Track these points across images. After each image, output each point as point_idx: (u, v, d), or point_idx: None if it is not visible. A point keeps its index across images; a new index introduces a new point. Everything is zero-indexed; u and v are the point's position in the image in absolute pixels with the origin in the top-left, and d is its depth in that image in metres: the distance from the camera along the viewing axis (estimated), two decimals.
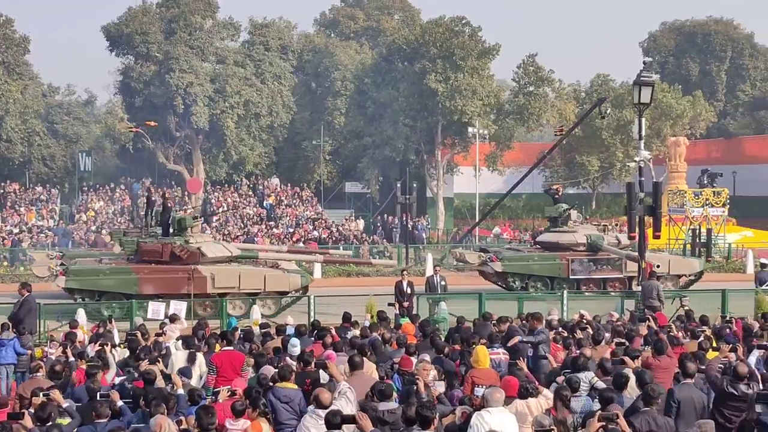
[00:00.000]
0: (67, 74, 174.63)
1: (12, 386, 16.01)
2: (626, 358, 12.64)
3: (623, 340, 14.86)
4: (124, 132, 63.77)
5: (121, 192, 60.16)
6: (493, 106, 58.45)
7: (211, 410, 9.84)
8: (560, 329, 16.94)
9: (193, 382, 13.56)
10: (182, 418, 10.44)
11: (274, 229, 49.70)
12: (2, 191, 56.44)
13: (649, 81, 24.05)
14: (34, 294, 20.13)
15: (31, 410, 10.31)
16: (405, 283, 23.80)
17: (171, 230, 27.23)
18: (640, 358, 12.82)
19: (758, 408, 10.52)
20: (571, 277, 30.06)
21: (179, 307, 22.03)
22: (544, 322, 16.52)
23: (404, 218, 46.34)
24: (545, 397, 10.83)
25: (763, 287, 25.18)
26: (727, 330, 16.39)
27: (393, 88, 59.49)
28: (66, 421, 10.36)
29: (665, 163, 57.31)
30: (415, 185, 51.23)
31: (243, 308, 25.90)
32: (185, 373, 13.32)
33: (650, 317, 17.78)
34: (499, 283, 30.74)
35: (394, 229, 52.48)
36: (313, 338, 15.89)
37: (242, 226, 50.07)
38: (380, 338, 15.53)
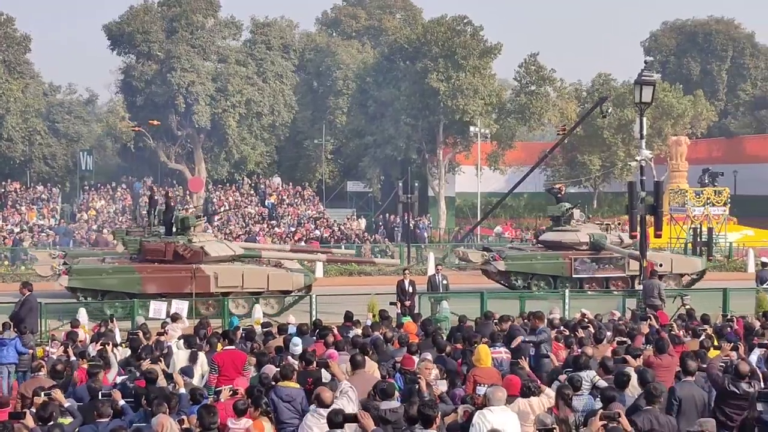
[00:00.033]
0: (68, 73, 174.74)
1: (13, 385, 16.02)
2: (628, 357, 12.64)
3: (625, 339, 14.87)
4: (125, 131, 63.82)
5: (123, 191, 60.23)
6: (495, 105, 58.46)
7: (213, 409, 9.85)
8: (562, 328, 16.92)
9: (195, 381, 13.55)
10: (184, 417, 10.43)
11: (276, 229, 49.73)
12: (3, 190, 56.54)
13: (650, 80, 24.01)
14: (36, 293, 20.13)
15: (33, 410, 10.30)
16: (407, 282, 23.80)
17: (174, 229, 27.20)
18: (641, 356, 12.81)
19: (759, 406, 10.51)
20: (574, 276, 30.03)
21: (181, 306, 22.02)
22: (545, 321, 16.50)
23: (406, 217, 46.34)
24: (547, 396, 10.82)
25: (764, 286, 25.20)
26: (729, 329, 16.38)
27: (395, 87, 59.50)
28: (67, 420, 10.35)
29: (666, 163, 57.24)
30: (416, 184, 51.24)
31: (246, 307, 25.86)
32: (187, 372, 13.31)
33: (651, 316, 17.80)
34: (502, 282, 30.70)
35: (396, 228, 52.53)
36: (315, 337, 15.91)
37: (244, 225, 50.09)
38: (382, 337, 15.54)
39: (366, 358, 12.60)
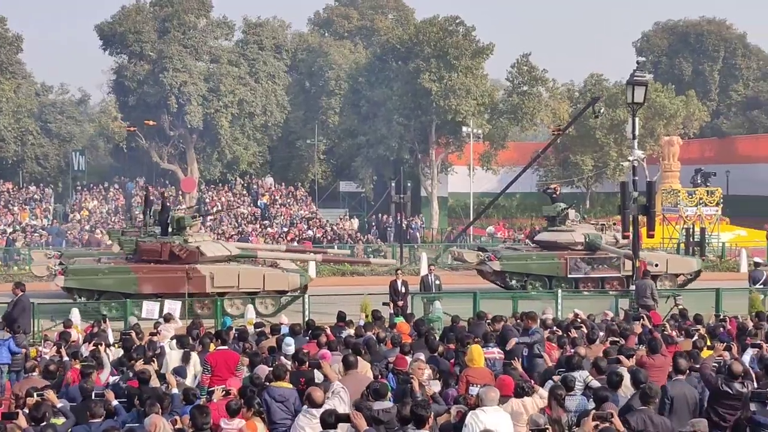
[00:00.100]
0: (60, 73, 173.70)
1: (6, 386, 15.96)
2: (621, 357, 12.66)
3: (617, 339, 14.88)
4: (117, 131, 63.69)
5: (115, 191, 60.13)
6: (487, 105, 58.49)
7: (206, 410, 9.83)
8: (555, 328, 16.92)
9: (188, 381, 13.53)
10: (177, 417, 10.42)
11: (269, 229, 49.69)
12: None
13: (642, 81, 24.04)
14: (29, 293, 20.11)
15: (26, 410, 10.29)
16: (399, 283, 23.83)
17: (170, 229, 27.15)
18: (634, 356, 12.84)
19: (752, 406, 10.52)
20: (569, 276, 30.06)
21: (173, 306, 21.99)
22: (538, 321, 16.51)
23: (398, 217, 46.35)
24: (540, 396, 10.82)
25: (757, 286, 25.26)
26: (721, 329, 16.40)
27: (387, 87, 59.48)
28: (60, 420, 10.33)
29: (659, 163, 57.32)
30: (409, 184, 51.24)
31: (241, 308, 25.72)
32: (180, 372, 13.30)
33: (644, 316, 17.80)
34: (497, 282, 30.64)
35: (389, 229, 52.52)
36: (307, 337, 15.90)
37: (236, 225, 50.02)
38: (375, 337, 15.54)
39: (359, 358, 12.60)
